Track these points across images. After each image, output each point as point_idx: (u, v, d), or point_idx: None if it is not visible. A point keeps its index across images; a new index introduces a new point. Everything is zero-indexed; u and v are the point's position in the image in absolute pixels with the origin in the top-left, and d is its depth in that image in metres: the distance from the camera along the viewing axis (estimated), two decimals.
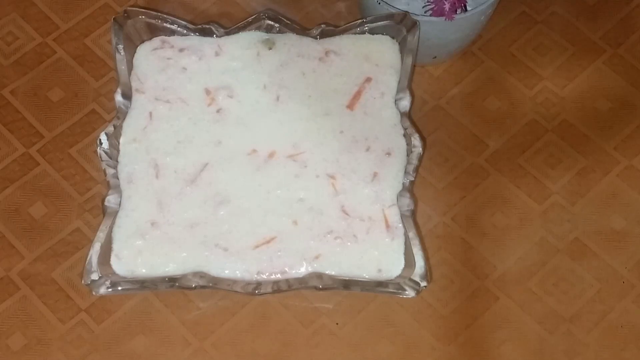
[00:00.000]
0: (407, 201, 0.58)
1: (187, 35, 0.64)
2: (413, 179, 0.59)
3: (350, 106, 0.62)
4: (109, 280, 0.55)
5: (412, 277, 0.55)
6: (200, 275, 0.56)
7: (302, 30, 0.64)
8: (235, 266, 0.57)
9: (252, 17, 0.63)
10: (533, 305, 0.60)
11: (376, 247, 0.58)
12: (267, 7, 0.67)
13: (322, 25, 0.64)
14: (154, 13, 0.63)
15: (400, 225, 0.58)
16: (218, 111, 0.62)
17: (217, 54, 0.63)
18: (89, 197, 0.62)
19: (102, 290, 0.55)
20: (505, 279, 0.60)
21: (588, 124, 0.66)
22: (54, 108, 0.66)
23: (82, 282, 0.55)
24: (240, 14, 0.69)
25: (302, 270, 0.57)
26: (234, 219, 0.59)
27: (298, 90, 0.62)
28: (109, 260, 0.57)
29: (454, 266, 0.61)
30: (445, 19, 0.60)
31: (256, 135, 0.61)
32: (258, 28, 0.64)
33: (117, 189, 0.59)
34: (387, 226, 0.58)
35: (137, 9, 0.63)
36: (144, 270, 0.57)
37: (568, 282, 0.60)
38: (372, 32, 0.64)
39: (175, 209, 0.59)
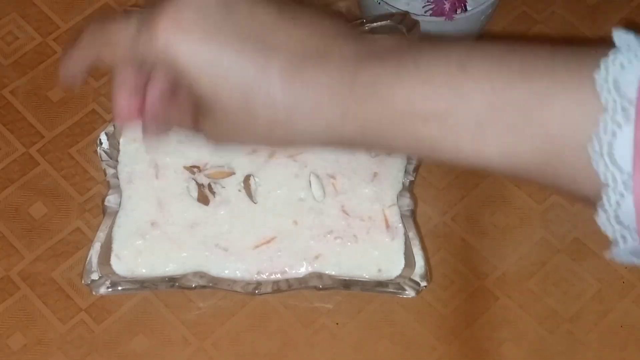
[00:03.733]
0: (407, 201, 0.58)
1: None
2: (413, 178, 0.59)
3: None
4: (109, 280, 0.55)
5: (412, 277, 0.55)
6: (200, 275, 0.56)
7: None
8: (235, 266, 0.57)
9: None
10: (533, 305, 0.60)
11: (376, 247, 0.58)
12: None
13: None
14: None
15: (400, 225, 0.58)
16: None
17: None
18: (89, 197, 0.62)
19: (102, 290, 0.55)
20: (505, 279, 0.60)
21: None
22: (54, 108, 0.66)
23: (82, 282, 0.55)
24: None
25: (302, 270, 0.57)
26: (234, 219, 0.59)
27: None
28: (109, 260, 0.57)
29: (454, 266, 0.61)
30: (445, 19, 0.60)
31: None
32: None
33: (117, 189, 0.59)
34: (387, 226, 0.58)
35: (137, 8, 0.63)
36: (144, 270, 0.57)
37: (568, 282, 0.60)
38: (372, 32, 0.63)
39: (175, 208, 0.59)
